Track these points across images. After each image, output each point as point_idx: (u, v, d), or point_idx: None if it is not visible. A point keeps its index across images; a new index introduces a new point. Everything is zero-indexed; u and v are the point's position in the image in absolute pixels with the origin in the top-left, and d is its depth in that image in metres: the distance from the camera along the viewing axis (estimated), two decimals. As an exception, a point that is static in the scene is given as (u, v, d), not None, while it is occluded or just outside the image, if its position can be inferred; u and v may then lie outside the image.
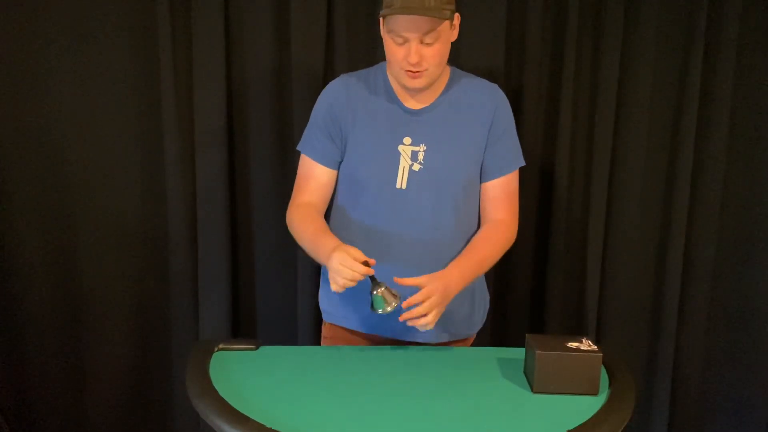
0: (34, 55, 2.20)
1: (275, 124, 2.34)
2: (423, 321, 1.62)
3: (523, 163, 1.90)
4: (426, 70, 1.70)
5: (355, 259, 1.58)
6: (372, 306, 1.64)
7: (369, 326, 1.90)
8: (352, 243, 1.84)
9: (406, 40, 1.67)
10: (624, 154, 2.44)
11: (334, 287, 1.61)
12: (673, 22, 2.36)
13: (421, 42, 1.66)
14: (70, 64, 2.22)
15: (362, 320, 1.90)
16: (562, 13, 2.33)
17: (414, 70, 1.70)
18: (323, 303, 1.99)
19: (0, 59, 2.19)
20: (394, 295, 1.64)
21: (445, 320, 1.88)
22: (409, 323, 1.63)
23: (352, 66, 2.25)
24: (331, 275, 1.61)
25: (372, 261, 1.62)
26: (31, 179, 2.27)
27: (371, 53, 2.28)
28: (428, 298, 1.62)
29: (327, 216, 1.93)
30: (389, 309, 1.63)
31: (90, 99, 2.25)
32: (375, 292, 1.63)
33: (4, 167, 2.24)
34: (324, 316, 1.99)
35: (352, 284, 1.59)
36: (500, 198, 1.87)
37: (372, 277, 1.61)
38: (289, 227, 1.86)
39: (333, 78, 1.92)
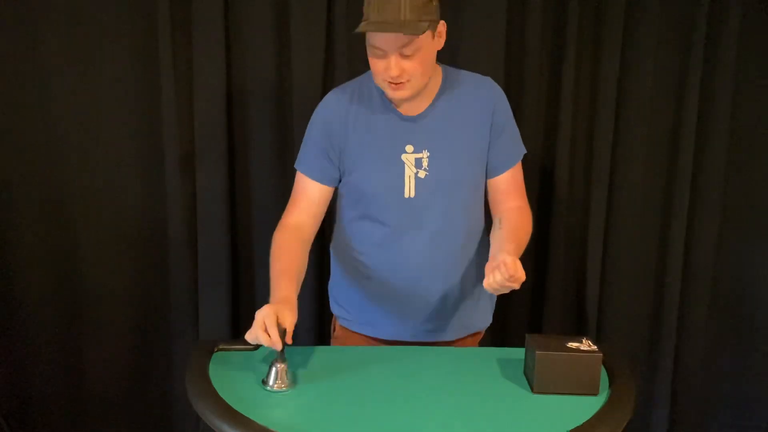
0: (34, 56, 2.19)
1: (275, 124, 2.34)
2: (516, 282, 1.54)
3: (525, 151, 1.89)
4: (408, 81, 1.66)
5: (280, 324, 1.49)
6: (266, 377, 1.52)
7: (388, 333, 1.90)
8: (364, 254, 1.85)
9: (385, 53, 1.63)
10: (624, 153, 2.43)
11: (247, 336, 1.51)
12: (673, 22, 2.35)
13: (401, 55, 1.62)
14: (70, 64, 2.22)
15: (380, 329, 1.92)
16: (562, 12, 2.32)
17: (395, 82, 1.66)
18: (335, 309, 2.00)
19: (0, 59, 2.19)
20: (287, 380, 1.52)
21: (462, 315, 1.90)
22: (507, 282, 1.54)
23: (352, 72, 2.24)
24: (254, 322, 1.50)
25: (289, 340, 1.51)
26: (31, 180, 2.26)
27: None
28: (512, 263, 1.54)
29: (332, 228, 1.95)
30: (275, 387, 1.50)
31: (90, 100, 2.25)
32: (275, 367, 1.51)
33: (4, 167, 2.25)
34: (340, 320, 1.99)
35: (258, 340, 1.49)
36: (512, 189, 1.86)
37: (281, 351, 1.50)
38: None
39: (333, 81, 1.90)
